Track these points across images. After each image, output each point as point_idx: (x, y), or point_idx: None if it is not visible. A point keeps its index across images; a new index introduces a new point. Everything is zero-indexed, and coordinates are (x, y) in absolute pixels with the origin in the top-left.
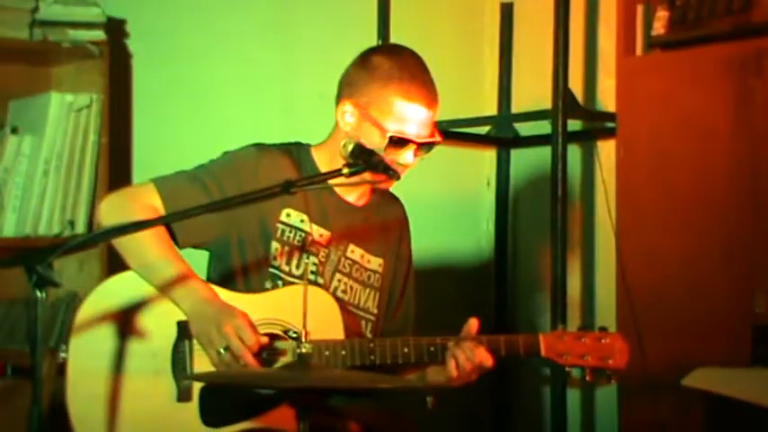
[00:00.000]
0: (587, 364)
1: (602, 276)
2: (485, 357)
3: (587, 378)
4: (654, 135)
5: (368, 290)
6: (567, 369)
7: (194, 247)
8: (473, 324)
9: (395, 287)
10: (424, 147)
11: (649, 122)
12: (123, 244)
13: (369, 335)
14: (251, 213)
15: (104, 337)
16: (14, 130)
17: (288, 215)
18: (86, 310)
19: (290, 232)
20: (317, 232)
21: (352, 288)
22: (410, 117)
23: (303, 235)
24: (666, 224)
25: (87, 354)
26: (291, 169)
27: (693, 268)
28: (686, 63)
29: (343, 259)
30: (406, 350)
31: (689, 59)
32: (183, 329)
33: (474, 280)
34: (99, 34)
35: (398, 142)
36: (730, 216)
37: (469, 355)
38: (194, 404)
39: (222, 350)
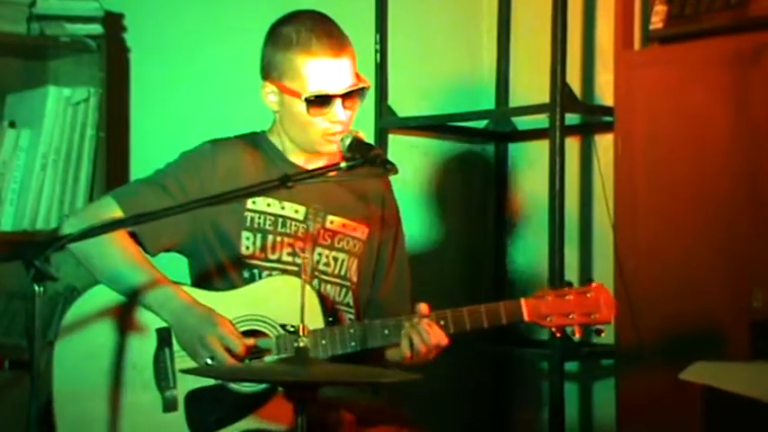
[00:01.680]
0: (573, 323)
1: (600, 270)
2: (440, 337)
3: (576, 335)
4: (651, 129)
5: (351, 258)
6: (553, 330)
7: (167, 251)
8: (423, 308)
9: (383, 253)
10: (355, 95)
11: (647, 116)
12: (88, 254)
13: (348, 301)
14: (218, 208)
15: (87, 350)
16: (12, 124)
17: (254, 202)
18: (68, 322)
19: (260, 218)
20: (292, 209)
21: (336, 259)
22: (322, 72)
23: (273, 218)
24: (664, 218)
25: (72, 368)
26: (252, 156)
27: (691, 262)
28: (684, 57)
29: (322, 231)
30: (386, 332)
31: (687, 53)
32: (163, 338)
33: (472, 274)
34: (97, 28)
35: (318, 101)
36: (729, 210)
37: (424, 336)
38: (180, 413)
39: (209, 360)
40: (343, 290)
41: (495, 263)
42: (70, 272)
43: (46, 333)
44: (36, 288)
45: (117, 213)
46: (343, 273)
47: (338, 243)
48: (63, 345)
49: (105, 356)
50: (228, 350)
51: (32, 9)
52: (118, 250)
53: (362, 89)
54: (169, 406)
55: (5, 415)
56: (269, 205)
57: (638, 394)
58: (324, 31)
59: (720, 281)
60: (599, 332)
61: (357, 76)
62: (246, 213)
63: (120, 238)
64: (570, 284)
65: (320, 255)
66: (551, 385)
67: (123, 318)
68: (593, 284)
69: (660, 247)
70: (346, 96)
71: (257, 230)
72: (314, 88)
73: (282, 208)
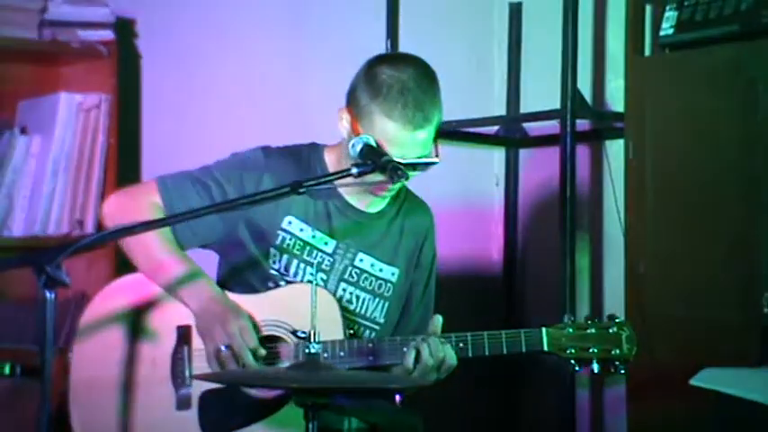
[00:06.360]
0: (592, 357)
1: (611, 275)
2: (449, 355)
3: (595, 370)
4: (662, 135)
5: (377, 299)
6: (572, 362)
7: (200, 247)
8: (437, 321)
9: (413, 294)
10: (414, 167)
11: (658, 122)
12: (130, 245)
13: None
14: (253, 218)
15: (105, 344)
16: (23, 130)
17: (289, 223)
18: (88, 317)
19: (291, 240)
20: (322, 240)
21: (358, 298)
22: (393, 138)
23: (302, 244)
24: (675, 224)
25: (89, 362)
26: (297, 173)
27: (702, 268)
28: (695, 63)
29: (350, 268)
30: (405, 349)
31: (697, 60)
32: (183, 334)
33: (483, 279)
34: (108, 34)
35: None
36: (739, 216)
37: (433, 349)
38: (194, 412)
39: (223, 347)
40: (366, 330)
41: (506, 269)
42: (80, 277)
43: (57, 339)
44: (47, 294)
45: (157, 200)
46: (365, 312)
47: (363, 282)
48: (82, 338)
49: (124, 351)
50: (245, 342)
51: (44, 15)
52: (157, 240)
53: (427, 163)
54: (183, 404)
55: (17, 421)
56: (302, 230)
57: (649, 400)
58: (414, 98)
59: (731, 286)
60: (618, 369)
61: (435, 143)
62: (279, 232)
63: (159, 229)
64: (592, 318)
65: (344, 291)
66: (562, 390)
67: (144, 314)
68: (616, 320)
69: (671, 253)
70: (407, 165)
71: (284, 251)
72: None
73: (313, 237)
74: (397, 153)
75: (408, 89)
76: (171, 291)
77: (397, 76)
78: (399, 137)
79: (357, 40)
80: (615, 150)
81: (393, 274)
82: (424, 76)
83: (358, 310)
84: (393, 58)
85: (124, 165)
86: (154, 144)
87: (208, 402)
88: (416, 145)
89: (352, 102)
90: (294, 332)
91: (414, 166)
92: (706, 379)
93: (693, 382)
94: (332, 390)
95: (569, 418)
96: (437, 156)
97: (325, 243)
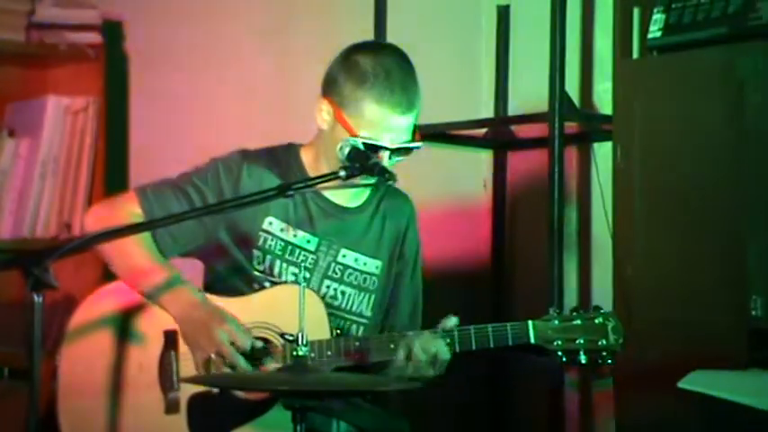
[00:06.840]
0: (579, 348)
1: (599, 278)
2: (441, 350)
3: (582, 361)
4: (650, 138)
5: (363, 293)
6: (559, 354)
7: (182, 256)
8: (449, 321)
9: (399, 286)
10: (401, 151)
11: (646, 125)
12: (110, 253)
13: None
14: (234, 222)
15: (93, 349)
16: (11, 133)
17: (270, 223)
18: (76, 321)
19: (272, 241)
20: (304, 239)
21: (344, 293)
22: (382, 123)
23: (284, 244)
24: (663, 226)
25: (77, 367)
26: (276, 169)
27: (690, 271)
28: (682, 66)
29: (333, 264)
30: (392, 346)
31: (685, 62)
32: (170, 339)
33: (471, 282)
34: (96, 37)
35: (367, 146)
36: (727, 218)
37: (424, 345)
38: (182, 416)
39: (213, 356)
40: (353, 325)
41: (494, 271)
42: (68, 280)
43: (44, 342)
44: (35, 297)
45: (137, 211)
46: (350, 307)
47: (348, 277)
48: (70, 343)
49: (111, 356)
50: (235, 346)
51: (31, 17)
52: (137, 247)
53: (414, 147)
54: (171, 408)
55: (4, 424)
56: (282, 230)
57: (637, 402)
58: (400, 83)
59: (719, 289)
60: (606, 359)
61: (415, 130)
62: (261, 233)
63: (140, 237)
64: (578, 309)
65: (328, 288)
66: (551, 392)
67: (131, 318)
68: (602, 311)
69: (659, 255)
70: (396, 150)
71: (267, 252)
72: (370, 135)
73: (295, 236)
74: (386, 138)
75: (393, 75)
76: (151, 298)
77: (380, 63)
78: (390, 121)
79: (345, 43)
80: (603, 153)
81: (377, 267)
82: (403, 62)
83: (344, 305)
84: (369, 45)
85: (112, 167)
86: (141, 146)
87: (196, 406)
88: (404, 129)
89: (332, 92)
90: (282, 335)
91: (402, 151)
92: (694, 382)
93: (681, 384)
94: (320, 392)
95: (558, 421)
96: (419, 140)
97: (308, 241)
